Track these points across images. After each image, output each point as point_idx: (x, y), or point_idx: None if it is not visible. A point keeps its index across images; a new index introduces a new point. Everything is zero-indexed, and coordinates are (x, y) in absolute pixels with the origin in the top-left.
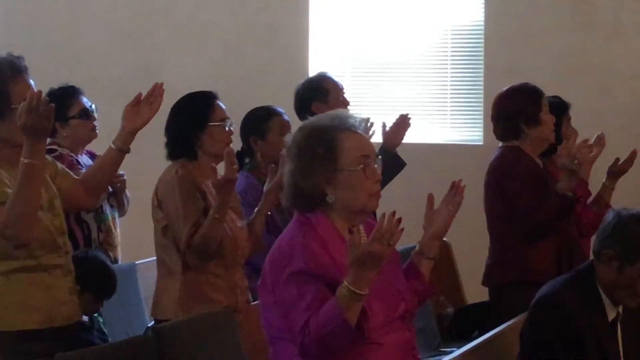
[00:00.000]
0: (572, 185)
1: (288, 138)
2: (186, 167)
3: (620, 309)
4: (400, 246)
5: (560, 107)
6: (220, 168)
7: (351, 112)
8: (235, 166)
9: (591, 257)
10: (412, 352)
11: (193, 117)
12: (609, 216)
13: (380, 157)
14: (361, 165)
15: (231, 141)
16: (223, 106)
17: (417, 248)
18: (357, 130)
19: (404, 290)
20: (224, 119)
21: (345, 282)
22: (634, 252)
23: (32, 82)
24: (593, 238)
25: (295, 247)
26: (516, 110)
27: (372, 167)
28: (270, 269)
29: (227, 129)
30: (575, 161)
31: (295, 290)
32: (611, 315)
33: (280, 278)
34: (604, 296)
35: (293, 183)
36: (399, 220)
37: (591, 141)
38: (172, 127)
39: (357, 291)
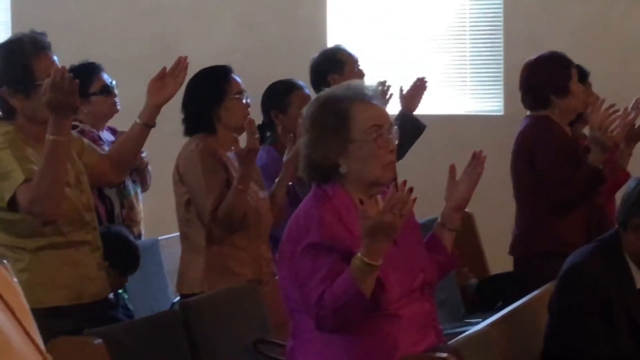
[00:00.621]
0: (603, 157)
1: (304, 110)
2: (206, 140)
3: None
4: (422, 218)
5: (579, 76)
6: (242, 140)
7: (366, 82)
8: (257, 135)
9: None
10: (433, 324)
11: (210, 92)
12: (632, 184)
13: (396, 127)
14: (373, 136)
15: (248, 113)
16: (239, 79)
17: (438, 220)
18: (371, 101)
19: (423, 262)
20: (240, 92)
21: (359, 254)
22: None
23: (56, 58)
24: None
25: (311, 219)
26: (545, 80)
27: (385, 137)
28: (287, 242)
29: (244, 101)
30: (612, 133)
31: (311, 262)
32: (639, 282)
33: (296, 251)
34: (631, 264)
35: (306, 155)
36: (411, 190)
37: (629, 106)
38: (189, 103)
39: (371, 262)
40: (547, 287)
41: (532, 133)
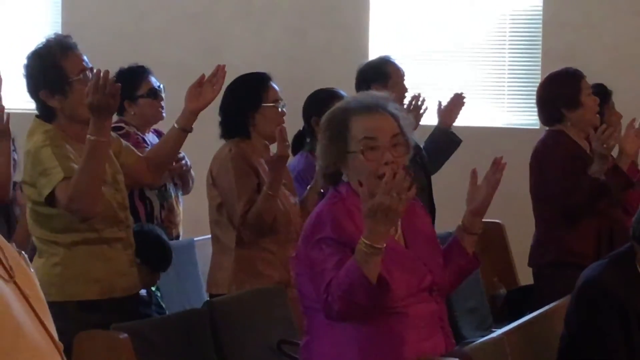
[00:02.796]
0: (603, 169)
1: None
2: (239, 145)
3: None
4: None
5: (601, 95)
6: (273, 146)
7: (379, 93)
8: (287, 143)
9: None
10: (440, 324)
11: (247, 97)
12: None
13: (405, 137)
14: (361, 148)
15: (283, 122)
16: (276, 87)
17: (460, 224)
18: (378, 111)
19: (433, 265)
20: (277, 100)
21: (362, 237)
22: None
23: (85, 57)
24: None
25: (323, 216)
26: (555, 95)
27: (379, 149)
28: (302, 240)
29: (279, 109)
30: (604, 145)
31: (322, 254)
32: None
33: (308, 244)
34: None
35: (317, 162)
36: (410, 174)
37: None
38: (227, 107)
39: (373, 244)
40: (564, 299)
41: (542, 147)
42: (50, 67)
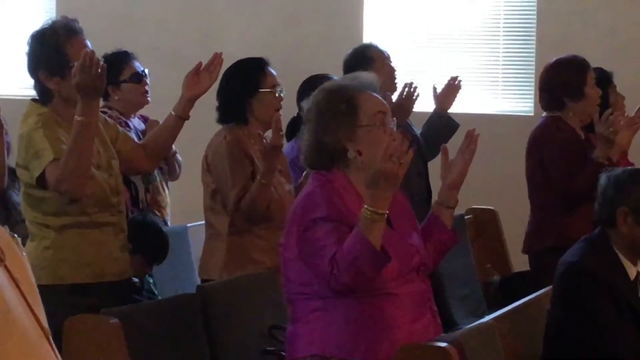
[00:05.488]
0: (607, 153)
1: (305, 101)
2: (235, 132)
3: None
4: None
5: (603, 79)
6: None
7: (368, 74)
8: (282, 133)
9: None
10: (428, 304)
11: (244, 82)
12: (603, 181)
13: (395, 118)
14: (379, 121)
15: (280, 107)
16: (274, 73)
17: (437, 199)
18: (376, 90)
19: (418, 245)
20: (274, 85)
21: (365, 205)
22: None
23: (88, 43)
24: None
25: (316, 198)
26: (560, 82)
27: (389, 124)
28: (293, 222)
29: (277, 95)
30: (611, 129)
31: (322, 231)
32: (632, 274)
33: (302, 226)
34: (622, 257)
35: (316, 141)
36: (408, 140)
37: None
38: (224, 92)
39: (377, 210)
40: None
41: (541, 131)
42: (52, 49)
